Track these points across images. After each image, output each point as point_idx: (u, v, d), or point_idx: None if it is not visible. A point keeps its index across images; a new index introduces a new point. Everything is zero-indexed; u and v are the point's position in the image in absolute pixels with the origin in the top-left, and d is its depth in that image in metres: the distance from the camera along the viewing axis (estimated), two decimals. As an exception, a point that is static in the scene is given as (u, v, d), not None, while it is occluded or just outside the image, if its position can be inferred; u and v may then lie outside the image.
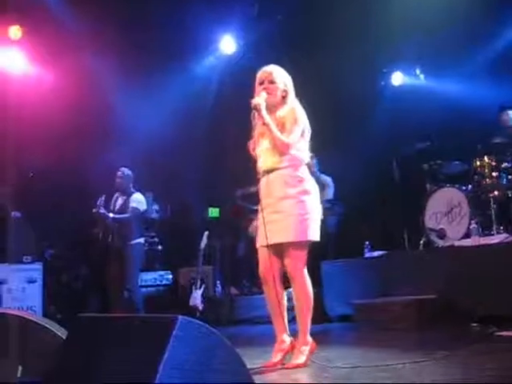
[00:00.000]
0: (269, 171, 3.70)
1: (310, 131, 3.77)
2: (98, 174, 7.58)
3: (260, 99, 3.66)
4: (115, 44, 7.72)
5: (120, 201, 6.76)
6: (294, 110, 3.71)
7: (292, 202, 3.60)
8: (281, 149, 3.64)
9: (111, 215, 6.56)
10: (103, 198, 6.64)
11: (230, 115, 8.68)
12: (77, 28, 7.54)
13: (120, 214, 6.65)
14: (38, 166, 7.93)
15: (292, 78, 3.85)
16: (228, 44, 9.01)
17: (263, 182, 3.74)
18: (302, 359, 3.54)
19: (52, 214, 7.97)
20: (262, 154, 3.75)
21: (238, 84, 8.65)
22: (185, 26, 7.96)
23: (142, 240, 6.84)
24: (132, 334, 1.98)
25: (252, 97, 3.72)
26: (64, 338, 2.33)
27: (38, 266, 7.41)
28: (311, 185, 3.72)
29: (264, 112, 3.62)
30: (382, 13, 7.68)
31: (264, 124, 3.64)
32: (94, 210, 6.51)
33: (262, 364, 3.62)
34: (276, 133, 3.62)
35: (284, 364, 3.61)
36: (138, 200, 6.74)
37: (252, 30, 8.66)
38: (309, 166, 3.80)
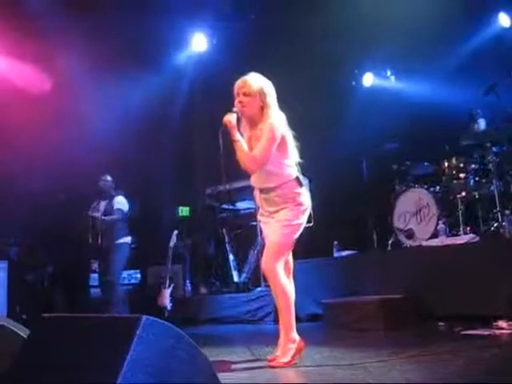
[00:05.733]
0: (259, 189, 3.74)
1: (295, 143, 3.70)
2: (67, 173, 7.52)
3: (231, 117, 3.58)
4: (83, 41, 7.59)
5: (103, 204, 7.06)
6: (271, 123, 3.56)
7: (282, 212, 3.63)
8: (249, 166, 3.58)
9: (103, 217, 6.90)
10: (96, 203, 7.07)
11: (200, 113, 8.63)
12: (45, 23, 7.39)
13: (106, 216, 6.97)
14: (5, 160, 7.76)
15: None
16: (199, 42, 8.94)
17: (256, 194, 3.79)
18: (286, 358, 3.52)
19: (18, 212, 7.80)
20: None
21: (209, 83, 8.63)
22: (156, 24, 7.87)
23: (127, 240, 7.06)
24: (95, 334, 1.96)
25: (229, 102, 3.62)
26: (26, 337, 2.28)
27: (3, 264, 7.25)
28: (301, 196, 3.67)
29: (234, 130, 3.56)
30: (354, 14, 7.71)
31: (233, 141, 3.58)
32: (89, 213, 6.95)
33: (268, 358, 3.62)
34: (242, 152, 3.56)
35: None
36: (121, 202, 7.06)
37: (224, 28, 8.61)
38: (298, 178, 3.69)
